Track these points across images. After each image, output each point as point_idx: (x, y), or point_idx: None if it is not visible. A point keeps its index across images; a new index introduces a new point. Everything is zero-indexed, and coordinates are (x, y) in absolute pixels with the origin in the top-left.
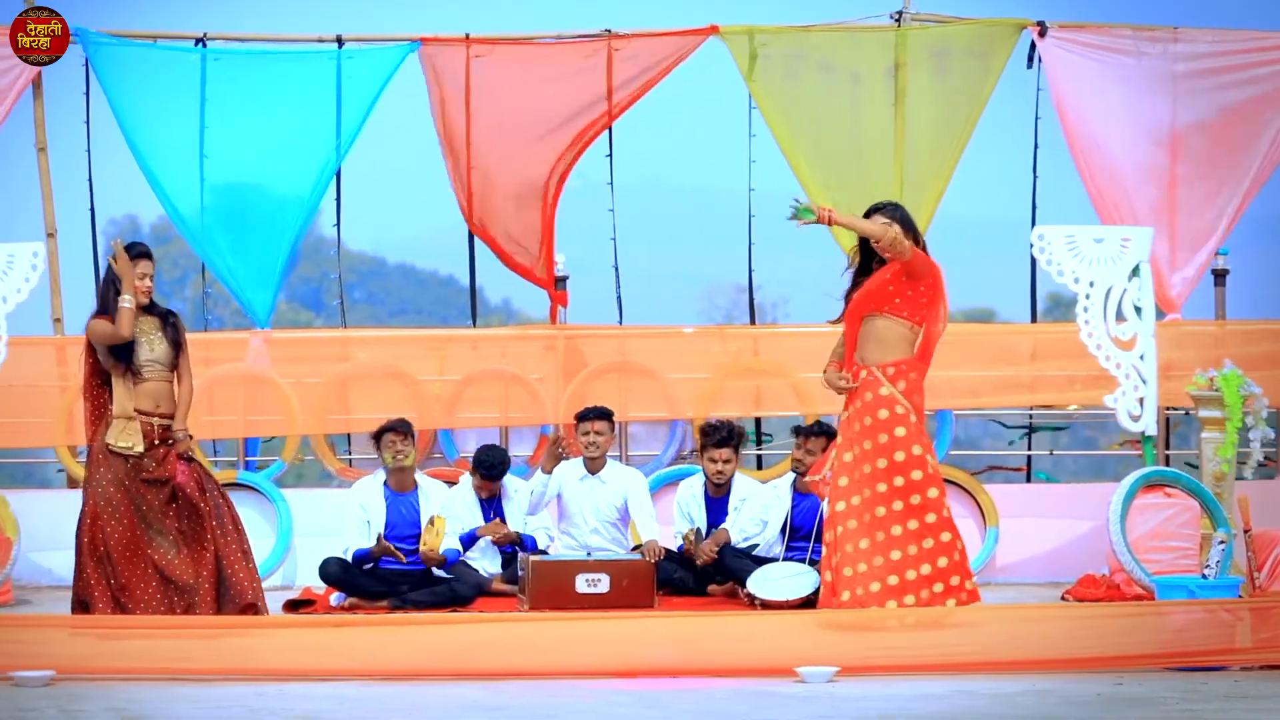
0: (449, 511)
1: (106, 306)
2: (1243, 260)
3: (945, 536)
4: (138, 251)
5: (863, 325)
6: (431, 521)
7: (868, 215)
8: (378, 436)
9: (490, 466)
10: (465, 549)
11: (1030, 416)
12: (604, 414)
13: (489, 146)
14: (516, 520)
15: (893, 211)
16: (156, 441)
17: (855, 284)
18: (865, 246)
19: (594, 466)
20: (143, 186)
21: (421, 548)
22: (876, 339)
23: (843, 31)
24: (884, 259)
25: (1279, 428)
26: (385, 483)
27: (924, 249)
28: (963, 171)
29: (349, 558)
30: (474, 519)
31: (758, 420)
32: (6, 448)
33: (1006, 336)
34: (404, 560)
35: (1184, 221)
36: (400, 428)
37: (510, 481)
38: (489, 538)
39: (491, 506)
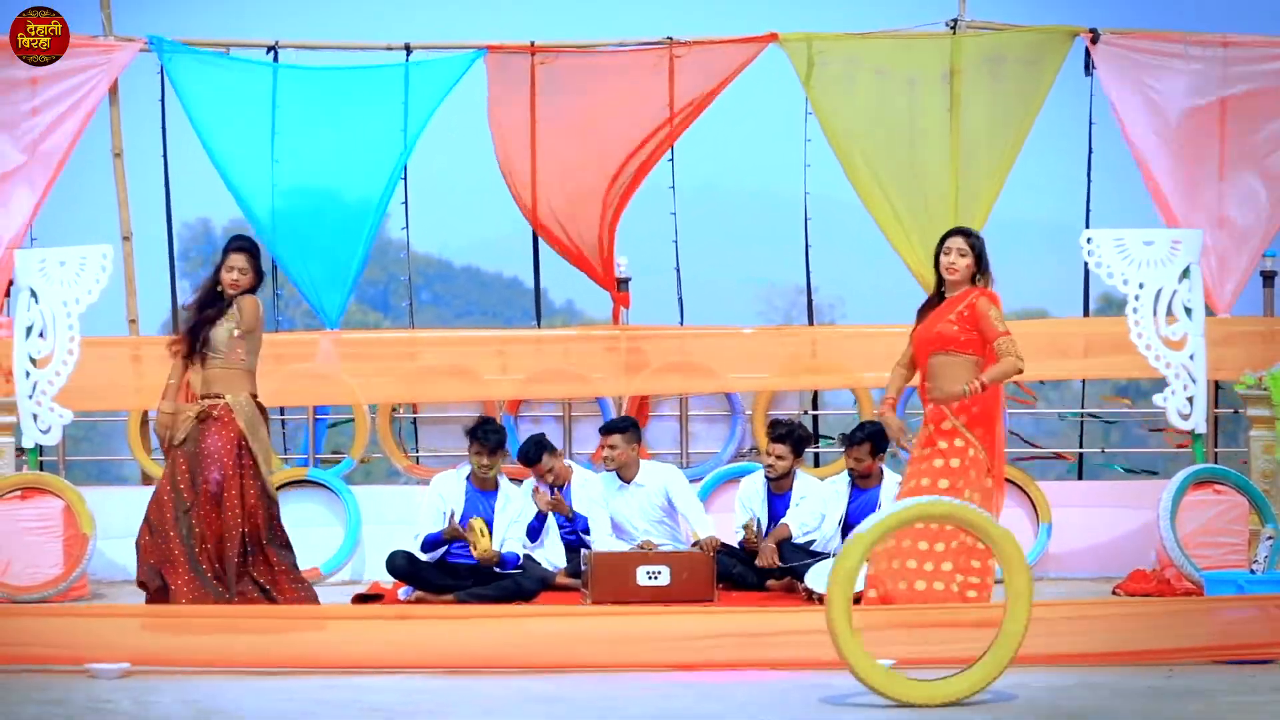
0: (528, 508)
1: (201, 301)
2: None
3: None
4: (234, 245)
5: (930, 360)
6: (470, 527)
7: (953, 234)
8: (470, 435)
9: (496, 441)
10: (534, 539)
11: (1082, 414)
12: (618, 427)
13: (553, 152)
14: (582, 508)
15: (980, 240)
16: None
17: (926, 310)
18: (939, 277)
19: (626, 475)
20: (216, 191)
21: (479, 554)
22: (941, 375)
23: (899, 39)
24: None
25: None
26: (469, 477)
27: (988, 275)
28: (1017, 174)
29: (418, 543)
30: (531, 507)
31: (815, 419)
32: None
33: (1059, 333)
34: (482, 544)
35: (1233, 223)
36: (488, 442)
37: (580, 473)
38: (552, 518)
39: (563, 494)
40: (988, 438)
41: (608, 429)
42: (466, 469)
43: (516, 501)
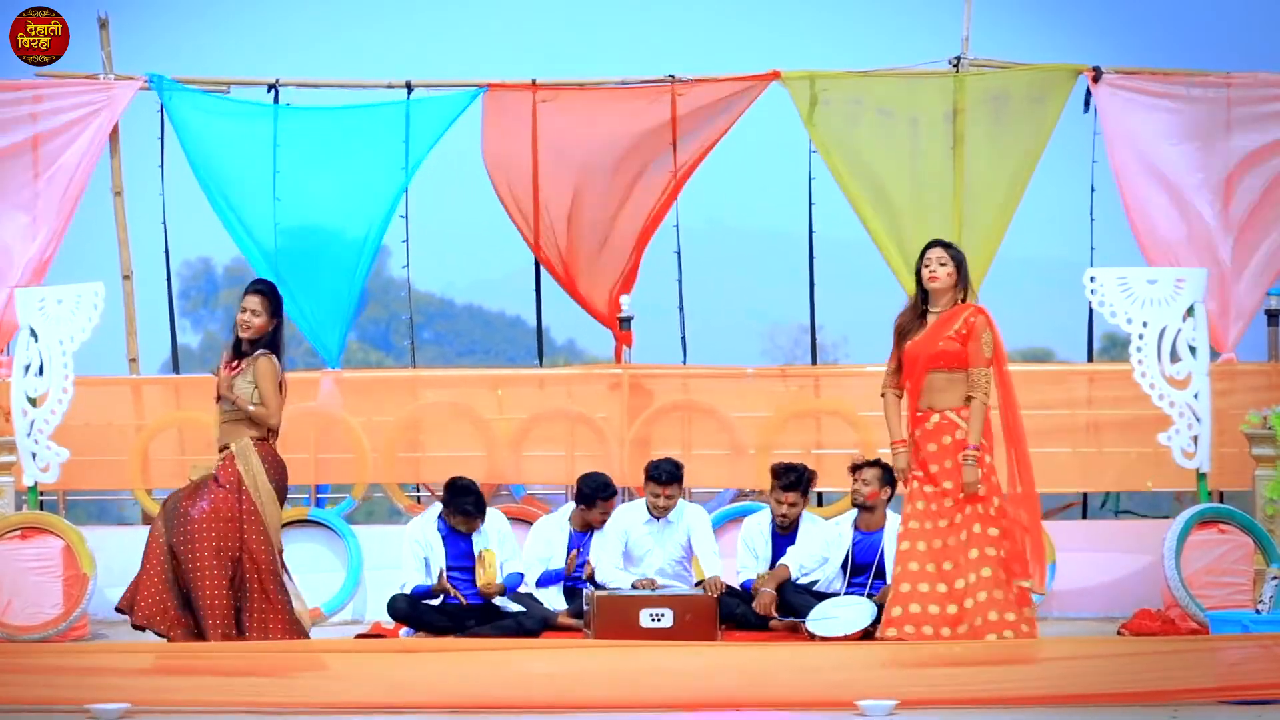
0: (509, 532)
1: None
2: None
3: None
4: (250, 288)
5: (928, 376)
6: (481, 556)
7: (933, 245)
8: (449, 499)
9: (593, 491)
10: (544, 585)
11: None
12: (677, 478)
13: (555, 190)
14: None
15: (961, 253)
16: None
17: (909, 324)
18: (922, 291)
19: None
20: (216, 230)
21: (480, 584)
22: (942, 389)
23: (902, 77)
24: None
25: None
26: (440, 517)
27: (968, 290)
28: (1021, 213)
29: (407, 594)
30: (560, 550)
31: (817, 458)
32: (85, 489)
33: (1063, 376)
34: (464, 602)
35: (1237, 262)
36: (468, 512)
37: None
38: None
39: (582, 540)
40: (989, 447)
41: (668, 480)
42: (437, 509)
43: (495, 530)
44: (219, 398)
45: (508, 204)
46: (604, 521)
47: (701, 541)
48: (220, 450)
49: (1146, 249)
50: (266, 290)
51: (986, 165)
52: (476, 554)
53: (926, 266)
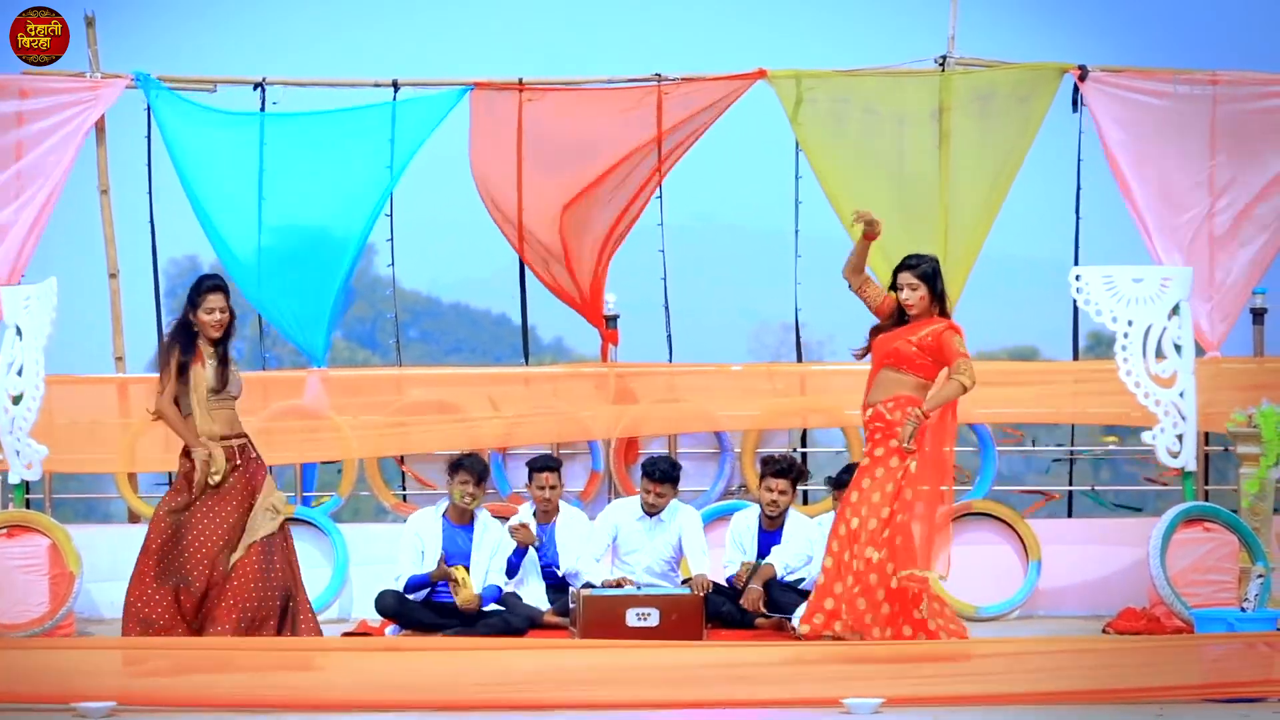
0: (506, 540)
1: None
2: None
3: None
4: (209, 285)
5: (880, 372)
6: (452, 575)
7: (901, 268)
8: (453, 468)
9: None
10: (511, 575)
11: (1071, 453)
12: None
13: (539, 189)
14: (569, 548)
15: (929, 265)
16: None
17: (888, 323)
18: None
19: (654, 509)
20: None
21: (460, 601)
22: (885, 386)
23: (887, 75)
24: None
25: None
26: (444, 513)
27: (945, 304)
28: (1006, 211)
29: (400, 585)
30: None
31: (804, 457)
32: (70, 487)
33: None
34: (462, 583)
35: (1223, 260)
36: (475, 469)
37: (565, 510)
38: (534, 555)
39: (545, 531)
40: (936, 446)
41: (660, 478)
42: (443, 505)
43: (494, 532)
44: (215, 392)
45: (491, 208)
46: (540, 495)
47: (692, 542)
48: (227, 439)
49: (1149, 244)
50: (225, 285)
51: (972, 164)
52: (451, 574)
53: (900, 292)
